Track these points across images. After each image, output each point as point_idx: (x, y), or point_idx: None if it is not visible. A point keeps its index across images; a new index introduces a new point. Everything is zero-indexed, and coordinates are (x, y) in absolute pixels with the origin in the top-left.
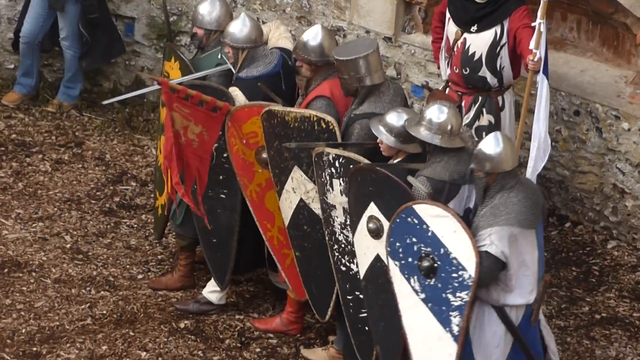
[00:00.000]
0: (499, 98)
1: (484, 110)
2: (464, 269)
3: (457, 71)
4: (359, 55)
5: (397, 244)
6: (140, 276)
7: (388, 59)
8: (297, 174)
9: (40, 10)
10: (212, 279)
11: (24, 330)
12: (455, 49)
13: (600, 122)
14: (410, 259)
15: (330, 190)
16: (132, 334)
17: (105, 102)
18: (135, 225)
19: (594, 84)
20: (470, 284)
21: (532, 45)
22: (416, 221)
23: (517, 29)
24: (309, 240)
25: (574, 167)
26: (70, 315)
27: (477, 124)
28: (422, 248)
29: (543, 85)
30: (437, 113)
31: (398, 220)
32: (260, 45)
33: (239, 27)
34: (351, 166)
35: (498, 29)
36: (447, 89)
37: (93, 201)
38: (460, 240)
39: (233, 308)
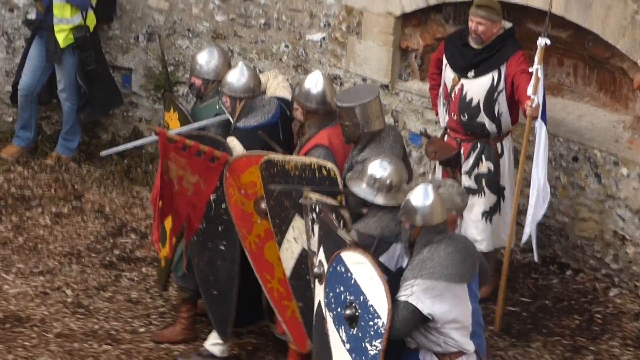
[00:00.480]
0: (498, 145)
1: (483, 157)
2: (378, 317)
3: (455, 117)
4: (362, 102)
5: (331, 294)
6: (142, 329)
7: (385, 107)
8: (298, 223)
9: (38, 63)
10: (214, 331)
11: None
12: (452, 95)
13: (599, 167)
14: (339, 309)
15: (312, 236)
16: None
17: (103, 153)
18: (136, 278)
19: (591, 129)
20: (382, 332)
21: (529, 91)
22: (343, 269)
23: (514, 75)
24: (312, 290)
25: (573, 214)
26: None
27: (476, 171)
28: (347, 297)
29: (541, 132)
30: (378, 169)
31: (330, 269)
32: (258, 95)
33: (236, 77)
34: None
35: (495, 74)
36: (446, 136)
37: (93, 254)
38: (376, 287)
39: None
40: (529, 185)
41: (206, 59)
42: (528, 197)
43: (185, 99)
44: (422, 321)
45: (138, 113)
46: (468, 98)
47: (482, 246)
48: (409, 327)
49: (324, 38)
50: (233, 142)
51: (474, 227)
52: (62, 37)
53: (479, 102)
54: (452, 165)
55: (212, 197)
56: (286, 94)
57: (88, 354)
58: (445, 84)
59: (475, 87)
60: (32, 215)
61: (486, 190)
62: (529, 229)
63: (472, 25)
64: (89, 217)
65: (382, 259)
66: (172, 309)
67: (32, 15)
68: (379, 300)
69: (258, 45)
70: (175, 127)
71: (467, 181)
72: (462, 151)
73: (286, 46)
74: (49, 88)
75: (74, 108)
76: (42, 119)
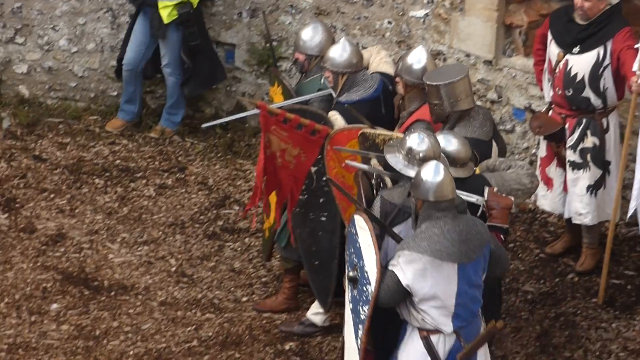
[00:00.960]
0: (604, 120)
1: (589, 132)
2: (369, 283)
3: (560, 93)
4: (452, 81)
5: (346, 252)
6: (244, 299)
7: (489, 83)
8: None
9: (143, 38)
10: (316, 301)
11: (131, 352)
12: (557, 71)
13: None
14: (349, 269)
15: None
16: (237, 355)
17: (205, 126)
18: (239, 249)
19: None
20: (370, 299)
21: (635, 67)
22: (353, 231)
23: (620, 51)
24: None
25: None
26: (176, 337)
27: (581, 145)
28: (354, 259)
29: None
30: (416, 141)
31: (347, 230)
32: (360, 70)
33: (339, 52)
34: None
35: (601, 50)
36: (550, 111)
37: (197, 225)
38: (371, 254)
39: (337, 329)
40: (634, 161)
41: (310, 35)
42: (634, 172)
43: (288, 74)
44: (404, 293)
45: (241, 88)
46: (573, 73)
47: (587, 219)
48: (393, 296)
49: (427, 14)
50: (335, 117)
51: (579, 201)
52: (166, 13)
53: (583, 77)
54: (556, 140)
55: (312, 169)
56: (389, 70)
57: (191, 322)
58: (550, 60)
59: (581, 63)
60: (136, 186)
61: (591, 164)
62: (635, 203)
63: (577, 1)
64: (193, 189)
65: (398, 227)
66: (274, 279)
67: None
68: (371, 267)
69: (361, 22)
70: (279, 101)
71: (571, 155)
72: (566, 126)
73: (389, 22)
74: (153, 63)
75: (178, 82)
76: (146, 93)
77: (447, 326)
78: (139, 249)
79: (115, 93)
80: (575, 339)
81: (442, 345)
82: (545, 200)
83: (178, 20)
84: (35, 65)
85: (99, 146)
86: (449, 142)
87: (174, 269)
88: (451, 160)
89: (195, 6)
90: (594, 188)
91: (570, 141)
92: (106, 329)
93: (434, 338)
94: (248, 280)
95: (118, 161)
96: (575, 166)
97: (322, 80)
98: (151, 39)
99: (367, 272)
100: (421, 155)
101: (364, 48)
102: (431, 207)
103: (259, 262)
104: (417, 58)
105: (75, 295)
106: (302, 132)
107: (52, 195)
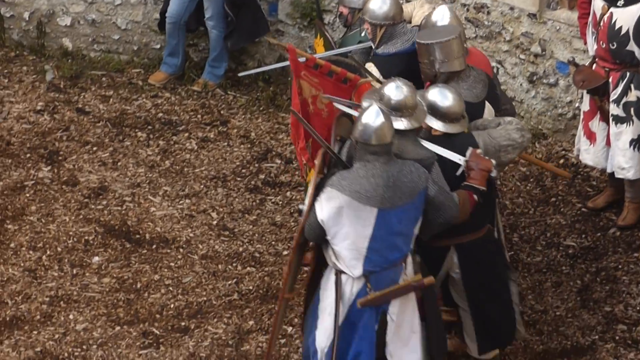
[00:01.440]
0: None
1: (632, 86)
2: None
3: (604, 46)
4: (439, 40)
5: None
6: (285, 252)
7: (532, 36)
8: None
9: None
10: None
11: (172, 305)
12: (601, 24)
13: None
14: (301, 203)
15: None
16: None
17: (242, 74)
18: (280, 202)
19: None
20: (297, 231)
21: None
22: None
23: None
24: None
25: None
26: (217, 290)
27: (624, 99)
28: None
29: None
30: (392, 90)
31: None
32: (400, 23)
33: (378, 4)
34: None
35: None
36: (594, 65)
37: (238, 178)
38: (310, 190)
39: None
40: None
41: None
42: None
43: (332, 27)
44: (320, 228)
45: (284, 40)
46: (617, 26)
47: (630, 174)
48: (314, 230)
49: None
50: (371, 68)
51: (622, 155)
52: None
53: (628, 31)
54: (599, 94)
55: None
56: None
57: (232, 276)
58: (594, 13)
59: (625, 16)
60: (178, 139)
61: (635, 118)
62: None
63: None
64: (235, 142)
65: None
66: None
67: None
68: (307, 200)
69: None
70: (320, 52)
71: (615, 109)
72: (610, 80)
73: None
74: (196, 16)
75: (221, 36)
76: (189, 46)
77: (356, 269)
78: (180, 202)
79: (158, 46)
80: (616, 293)
81: (350, 286)
82: (588, 154)
83: None
84: (79, 17)
85: (142, 99)
86: (445, 97)
87: (215, 222)
88: (441, 115)
89: None
90: (637, 142)
91: (614, 95)
92: (147, 282)
93: (343, 277)
94: (289, 233)
95: (160, 114)
96: (618, 120)
97: (363, 32)
98: None
99: (304, 206)
100: (393, 103)
101: (408, 1)
102: (363, 149)
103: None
104: (441, 16)
105: (116, 248)
106: (333, 79)
107: (94, 148)
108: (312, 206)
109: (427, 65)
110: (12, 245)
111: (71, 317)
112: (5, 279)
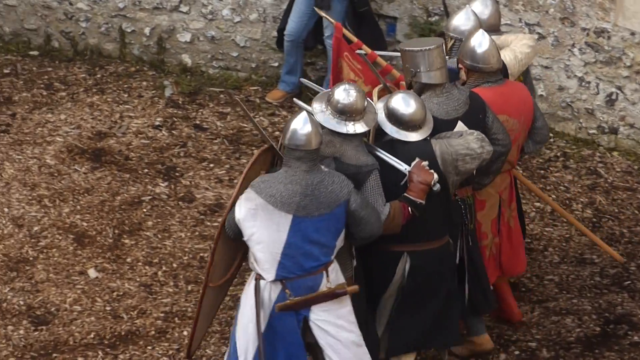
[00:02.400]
0: None
1: None
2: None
3: None
4: (417, 49)
5: None
6: None
7: None
8: None
9: (305, 9)
10: None
11: None
12: None
13: None
14: None
15: None
16: None
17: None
18: None
19: None
20: (220, 223)
21: None
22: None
23: None
24: None
25: None
26: None
27: None
28: None
29: None
30: (340, 93)
31: None
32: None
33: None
34: None
35: None
36: None
37: None
38: (238, 185)
39: None
40: None
41: (480, 9)
42: None
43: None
44: (237, 227)
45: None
46: None
47: None
48: (232, 228)
49: None
50: None
51: None
52: None
53: None
54: None
55: None
56: (524, 50)
57: None
58: None
59: None
60: None
61: None
62: None
63: None
64: None
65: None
66: None
67: None
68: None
69: None
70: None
71: None
72: None
73: None
74: (314, 34)
75: None
76: (306, 64)
77: (270, 273)
78: None
79: (276, 64)
80: None
81: (268, 292)
82: None
83: None
84: (199, 34)
85: (259, 117)
86: (407, 104)
87: None
88: (396, 121)
89: None
90: None
91: None
92: None
93: (262, 283)
94: None
95: (277, 132)
96: None
97: None
98: (314, 9)
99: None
100: (339, 106)
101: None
102: (289, 153)
103: None
104: (479, 42)
105: None
106: (377, 71)
107: (211, 165)
108: (233, 203)
109: (405, 73)
110: (128, 260)
111: (185, 333)
112: (121, 293)
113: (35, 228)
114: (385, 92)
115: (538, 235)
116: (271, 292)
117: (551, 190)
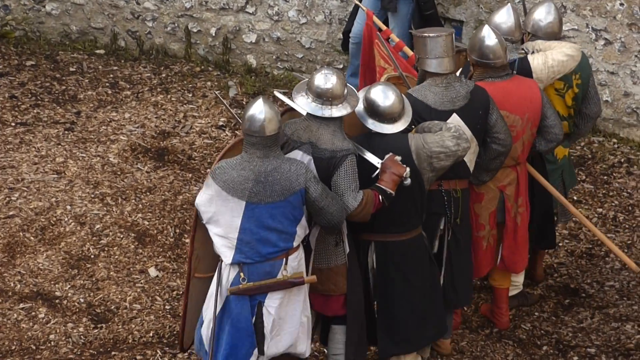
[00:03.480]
0: None
1: None
2: None
3: None
4: (425, 35)
5: None
6: None
7: None
8: None
9: (371, 11)
10: None
11: None
12: None
13: None
14: None
15: None
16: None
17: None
18: None
19: None
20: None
21: None
22: None
23: None
24: None
25: None
26: None
27: None
28: None
29: None
30: (320, 79)
31: None
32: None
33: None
34: None
35: None
36: None
37: None
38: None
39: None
40: None
41: (543, 16)
42: None
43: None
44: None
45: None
46: None
47: None
48: (196, 212)
49: None
50: None
51: None
52: None
53: None
54: None
55: None
56: (559, 58)
57: None
58: None
59: None
60: None
61: None
62: None
63: None
64: None
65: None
66: None
67: None
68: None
69: (592, 2)
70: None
71: None
72: None
73: (621, 4)
74: None
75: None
76: None
77: (227, 257)
78: None
79: (340, 66)
80: None
81: (227, 274)
82: None
83: None
84: (264, 35)
85: None
86: (386, 96)
87: None
88: (378, 114)
89: None
90: None
91: None
92: None
93: (222, 264)
94: None
95: None
96: None
97: None
98: (380, 12)
99: None
100: (318, 91)
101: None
102: (246, 139)
103: None
104: (485, 37)
105: None
106: (405, 61)
107: None
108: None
109: (416, 58)
110: None
111: None
112: (181, 292)
113: (97, 226)
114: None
115: (600, 242)
116: (229, 275)
117: (614, 196)
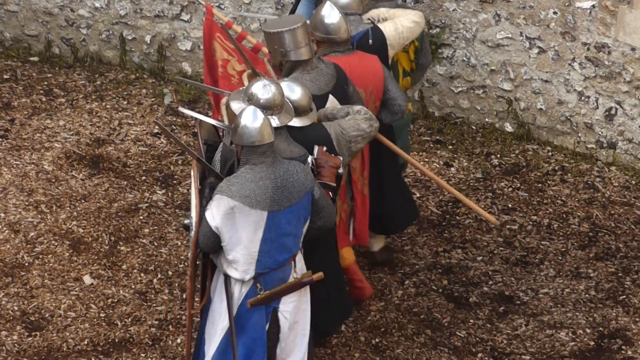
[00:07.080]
0: None
1: None
2: (192, 229)
3: None
4: (283, 29)
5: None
6: None
7: None
8: None
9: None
10: None
11: None
12: None
13: None
14: (185, 218)
15: None
16: None
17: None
18: None
19: None
20: (191, 245)
21: None
22: (191, 180)
23: None
24: None
25: None
26: None
27: None
28: (190, 206)
29: None
30: (259, 89)
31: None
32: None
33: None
34: None
35: None
36: None
37: None
38: (193, 200)
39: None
40: None
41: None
42: None
43: (449, 61)
44: (216, 235)
45: None
46: None
47: None
48: (209, 240)
49: (593, 6)
50: None
51: None
52: None
53: None
54: None
55: None
56: (387, 28)
57: None
58: None
59: None
60: None
61: None
62: None
63: None
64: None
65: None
66: None
67: None
68: (194, 213)
69: (526, 11)
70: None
71: None
72: None
73: (555, 13)
74: None
75: None
76: None
77: (249, 273)
78: None
79: None
80: None
81: (238, 288)
82: None
83: None
84: (199, 42)
85: None
86: (292, 91)
87: None
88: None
89: None
90: None
91: None
92: None
93: (232, 279)
94: None
95: None
96: None
97: None
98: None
99: (192, 218)
100: (262, 102)
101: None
102: (250, 152)
103: None
104: (328, 13)
105: None
106: (250, 51)
107: None
108: (202, 217)
109: (273, 54)
110: (124, 267)
111: (179, 341)
112: (116, 300)
113: (32, 234)
114: (254, 77)
115: (534, 249)
116: (242, 288)
117: (548, 204)
